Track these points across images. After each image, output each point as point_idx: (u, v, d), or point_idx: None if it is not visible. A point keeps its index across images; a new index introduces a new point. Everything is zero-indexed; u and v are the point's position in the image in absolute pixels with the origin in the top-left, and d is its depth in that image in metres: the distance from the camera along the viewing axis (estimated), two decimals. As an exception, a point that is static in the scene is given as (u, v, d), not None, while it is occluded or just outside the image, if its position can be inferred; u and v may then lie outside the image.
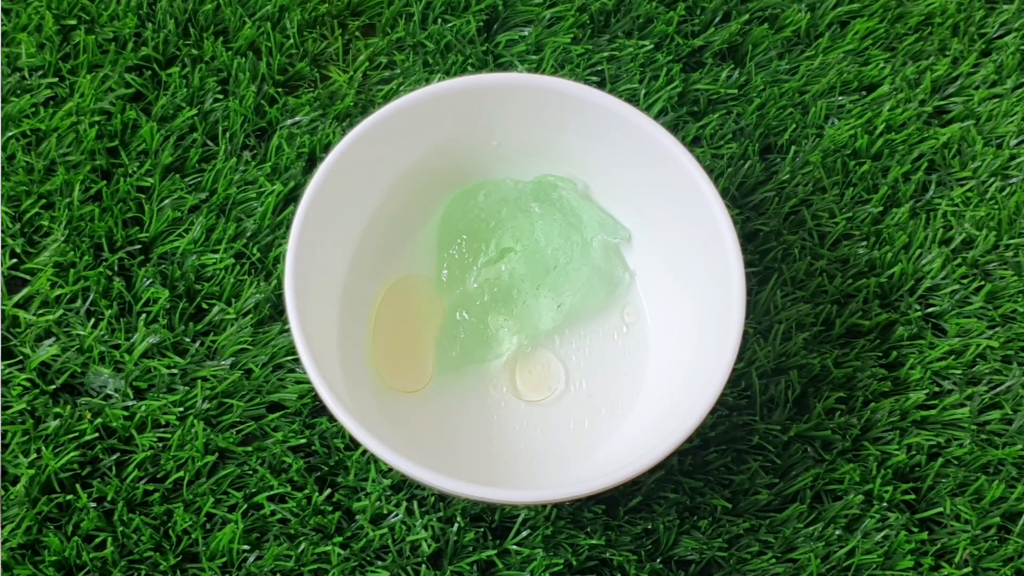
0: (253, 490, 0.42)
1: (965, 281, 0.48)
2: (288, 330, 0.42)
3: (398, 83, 0.50)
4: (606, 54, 0.51)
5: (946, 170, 0.50)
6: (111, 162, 0.47)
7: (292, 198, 0.47)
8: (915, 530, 0.43)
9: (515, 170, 0.45)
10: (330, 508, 0.42)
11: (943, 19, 0.53)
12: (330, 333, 0.42)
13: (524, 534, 0.42)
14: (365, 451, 0.43)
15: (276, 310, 0.45)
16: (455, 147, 0.44)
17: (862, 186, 0.49)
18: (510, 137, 0.44)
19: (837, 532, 0.43)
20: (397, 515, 0.42)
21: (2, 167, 0.46)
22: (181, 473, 0.42)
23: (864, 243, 0.48)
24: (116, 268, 0.45)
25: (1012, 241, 0.49)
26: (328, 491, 0.42)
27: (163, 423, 0.43)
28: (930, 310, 0.47)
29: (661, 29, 0.51)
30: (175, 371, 0.44)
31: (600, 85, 0.50)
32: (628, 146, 0.42)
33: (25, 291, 0.45)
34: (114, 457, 0.42)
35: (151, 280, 0.45)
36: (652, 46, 0.51)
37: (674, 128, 0.50)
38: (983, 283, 0.48)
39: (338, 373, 0.40)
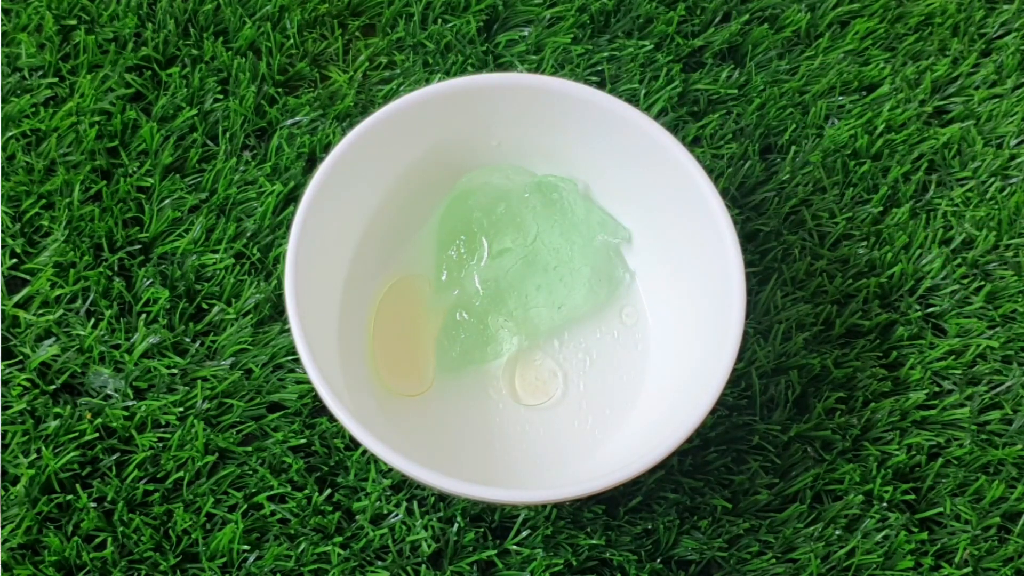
0: (253, 490, 0.42)
1: (965, 281, 0.48)
2: (288, 330, 0.42)
3: (398, 83, 0.50)
4: (606, 54, 0.51)
5: (946, 170, 0.50)
6: (111, 162, 0.47)
7: (292, 198, 0.47)
8: (915, 530, 0.43)
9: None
10: (330, 508, 0.42)
11: (943, 19, 0.53)
12: (330, 333, 0.42)
13: (524, 534, 0.42)
14: (365, 451, 0.43)
15: (276, 310, 0.45)
16: (455, 147, 0.44)
17: (862, 186, 0.49)
18: (510, 137, 0.44)
19: (837, 532, 0.43)
20: (397, 515, 0.42)
21: (2, 167, 0.46)
22: (181, 473, 0.42)
23: (864, 243, 0.48)
24: (116, 268, 0.45)
25: (1012, 241, 0.49)
26: (328, 491, 0.42)
27: (163, 423, 0.43)
28: (930, 310, 0.47)
29: (661, 29, 0.51)
30: (175, 371, 0.44)
31: (600, 85, 0.50)
32: (628, 146, 0.42)
33: (25, 291, 0.45)
34: (114, 457, 0.42)
35: (151, 280, 0.45)
36: (652, 46, 0.51)
37: (674, 128, 0.50)
38: (983, 283, 0.48)
39: (338, 373, 0.40)
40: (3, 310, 0.44)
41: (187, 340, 0.44)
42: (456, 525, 0.42)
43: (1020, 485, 0.44)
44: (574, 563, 0.42)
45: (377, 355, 0.44)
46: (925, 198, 0.50)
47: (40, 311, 0.44)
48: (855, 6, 0.53)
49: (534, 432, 0.43)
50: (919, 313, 0.47)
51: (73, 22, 0.49)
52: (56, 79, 0.48)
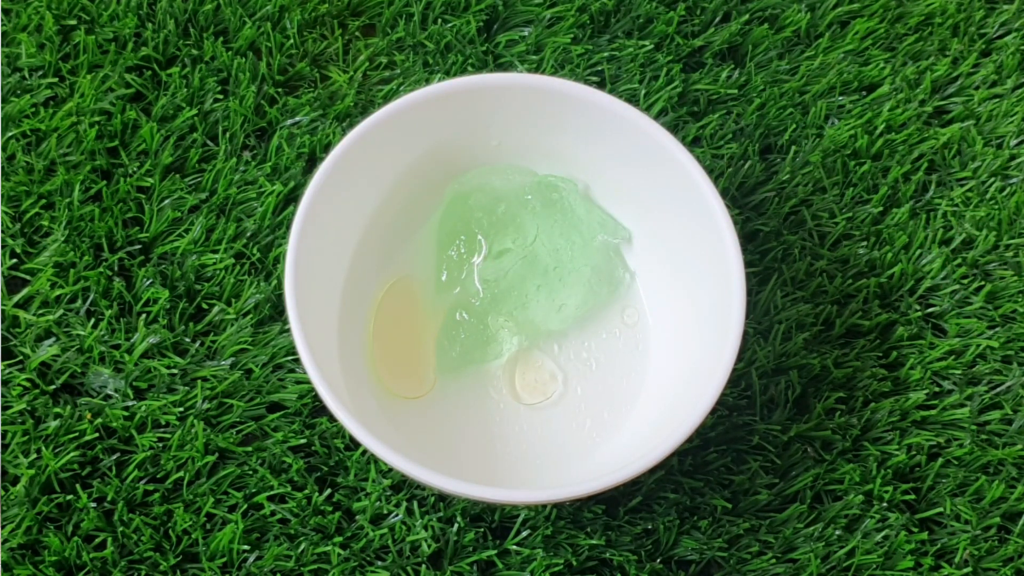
0: (253, 490, 0.42)
1: (965, 281, 0.48)
2: (288, 330, 0.42)
3: (398, 83, 0.50)
4: (606, 54, 0.51)
5: (946, 170, 0.50)
6: (111, 162, 0.47)
7: (292, 198, 0.47)
8: (915, 530, 0.43)
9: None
10: (330, 508, 0.42)
11: (943, 19, 0.53)
12: (330, 333, 0.42)
13: (524, 534, 0.42)
14: (365, 451, 0.43)
15: (276, 310, 0.45)
16: (455, 147, 0.44)
17: (862, 186, 0.49)
18: (510, 137, 0.44)
19: (837, 532, 0.43)
20: (397, 515, 0.42)
21: (2, 167, 0.46)
22: (181, 473, 0.42)
23: (864, 243, 0.48)
24: (116, 268, 0.45)
25: (1012, 241, 0.49)
26: (328, 491, 0.42)
27: (163, 423, 0.43)
28: (930, 310, 0.47)
29: (661, 29, 0.51)
30: (175, 371, 0.44)
31: (600, 85, 0.50)
32: (628, 146, 0.42)
33: (25, 291, 0.45)
34: (114, 457, 0.42)
35: (151, 280, 0.45)
36: (652, 46, 0.51)
37: (674, 128, 0.50)
38: (983, 283, 0.48)
39: (338, 373, 0.40)
40: (3, 310, 0.44)
41: (187, 340, 0.44)
42: (456, 525, 0.42)
43: (1020, 485, 0.44)
44: (574, 563, 0.42)
45: (377, 357, 0.44)
46: (925, 198, 0.50)
47: (40, 311, 0.44)
48: (855, 6, 0.53)
49: (534, 432, 0.43)
50: (919, 313, 0.47)
51: (73, 22, 0.49)
52: (56, 79, 0.48)
